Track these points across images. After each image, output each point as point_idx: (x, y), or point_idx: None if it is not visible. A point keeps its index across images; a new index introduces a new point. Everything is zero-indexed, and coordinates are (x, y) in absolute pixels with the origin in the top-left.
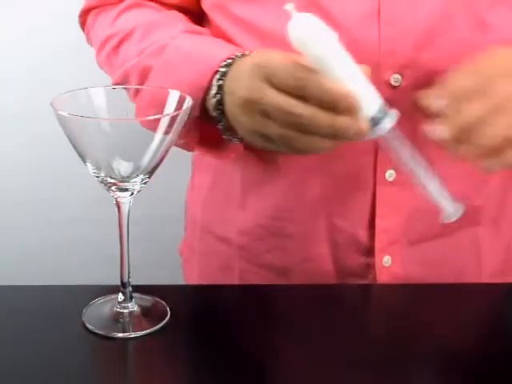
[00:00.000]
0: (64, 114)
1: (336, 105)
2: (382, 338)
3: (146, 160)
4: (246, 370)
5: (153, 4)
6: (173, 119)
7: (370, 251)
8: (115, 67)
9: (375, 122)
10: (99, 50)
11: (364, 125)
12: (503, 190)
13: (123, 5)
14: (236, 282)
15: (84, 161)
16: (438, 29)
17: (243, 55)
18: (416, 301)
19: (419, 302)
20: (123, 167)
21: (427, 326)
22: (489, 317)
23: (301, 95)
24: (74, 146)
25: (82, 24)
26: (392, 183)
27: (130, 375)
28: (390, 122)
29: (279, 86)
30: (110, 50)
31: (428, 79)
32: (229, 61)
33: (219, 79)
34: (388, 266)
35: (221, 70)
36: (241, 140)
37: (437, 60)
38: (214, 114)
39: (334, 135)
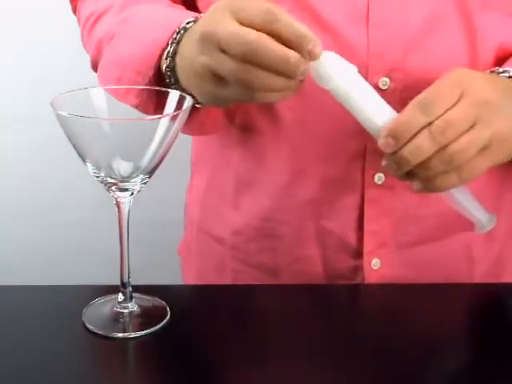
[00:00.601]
0: (64, 114)
1: (301, 45)
2: (375, 337)
3: (146, 160)
4: (246, 370)
5: None
6: (173, 119)
7: (358, 253)
8: (92, 42)
9: None
10: (82, 30)
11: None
12: (498, 194)
13: None
14: (229, 282)
15: (84, 161)
16: (428, 32)
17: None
18: (407, 301)
19: (410, 301)
20: (123, 167)
21: (418, 326)
22: (479, 316)
23: (267, 32)
24: (74, 146)
25: (74, 9)
26: (381, 186)
27: (130, 375)
28: None
29: (246, 21)
30: (89, 27)
31: (417, 83)
32: (191, 20)
33: (176, 38)
34: (377, 268)
35: (181, 29)
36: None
37: (426, 64)
38: (167, 73)
39: (287, 70)
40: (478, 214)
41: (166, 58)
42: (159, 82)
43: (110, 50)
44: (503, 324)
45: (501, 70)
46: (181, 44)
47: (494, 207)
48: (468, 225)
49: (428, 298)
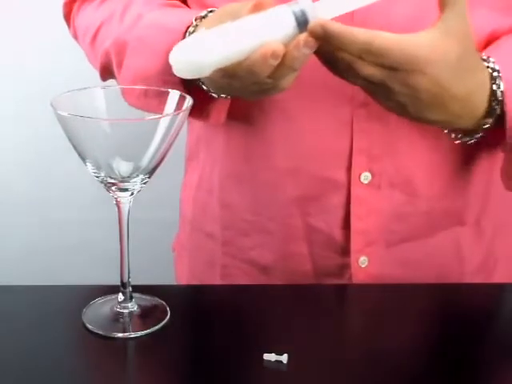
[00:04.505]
0: (64, 114)
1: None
2: (364, 338)
3: (146, 160)
4: (246, 370)
5: None
6: (173, 119)
7: (345, 251)
8: (97, 51)
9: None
10: (83, 38)
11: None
12: (485, 190)
13: None
14: (218, 277)
15: (84, 161)
16: (413, 30)
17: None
18: (395, 300)
19: (398, 301)
20: (123, 167)
21: (406, 326)
22: (467, 317)
23: None
24: (74, 146)
25: (67, 14)
26: (367, 185)
27: (130, 375)
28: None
29: None
30: (92, 35)
31: None
32: (199, 16)
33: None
34: (364, 266)
35: (193, 24)
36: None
37: None
38: None
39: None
40: None
41: None
42: (187, 83)
43: (127, 66)
44: (492, 324)
45: (484, 57)
46: None
47: (482, 201)
48: (457, 220)
49: (416, 299)
